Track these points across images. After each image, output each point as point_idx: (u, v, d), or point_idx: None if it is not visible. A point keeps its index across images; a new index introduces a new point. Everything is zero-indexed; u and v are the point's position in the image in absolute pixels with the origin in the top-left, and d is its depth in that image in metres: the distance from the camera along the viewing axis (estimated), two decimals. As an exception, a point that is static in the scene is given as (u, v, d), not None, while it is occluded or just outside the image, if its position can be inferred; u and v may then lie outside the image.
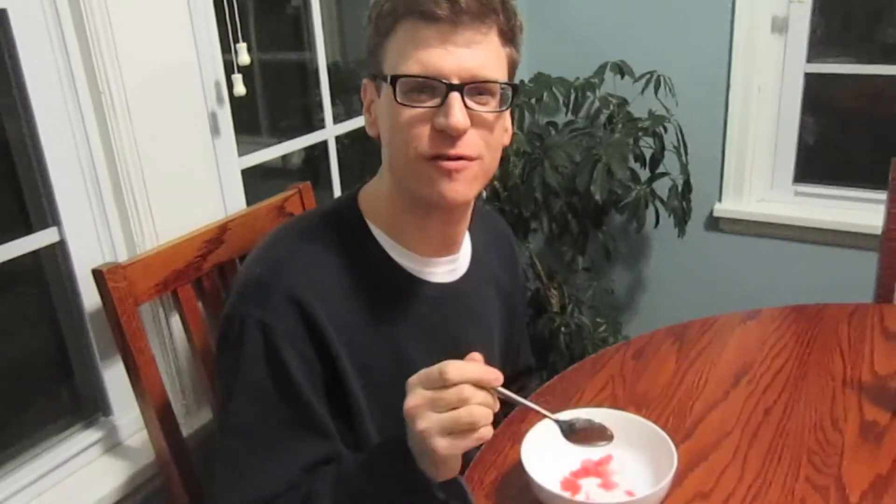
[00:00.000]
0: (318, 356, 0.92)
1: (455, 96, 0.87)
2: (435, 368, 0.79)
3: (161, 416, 1.21)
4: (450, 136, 0.88)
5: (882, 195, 1.59)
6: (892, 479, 0.97)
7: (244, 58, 1.41)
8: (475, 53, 0.88)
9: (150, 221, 1.28)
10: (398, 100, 0.88)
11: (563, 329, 2.23)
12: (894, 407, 1.11)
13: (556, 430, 0.93)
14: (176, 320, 1.33)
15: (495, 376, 0.81)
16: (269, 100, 1.92)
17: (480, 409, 0.79)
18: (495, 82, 0.90)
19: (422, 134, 0.89)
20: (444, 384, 0.78)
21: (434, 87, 0.87)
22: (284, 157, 2.11)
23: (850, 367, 1.22)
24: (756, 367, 1.24)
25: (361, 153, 2.20)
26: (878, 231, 1.58)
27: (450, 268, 1.06)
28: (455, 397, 0.78)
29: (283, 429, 0.91)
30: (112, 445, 1.35)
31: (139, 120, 1.24)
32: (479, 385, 0.79)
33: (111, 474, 1.29)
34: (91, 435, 1.32)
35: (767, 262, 2.33)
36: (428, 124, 0.88)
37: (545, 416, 0.91)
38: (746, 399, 1.16)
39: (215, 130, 1.42)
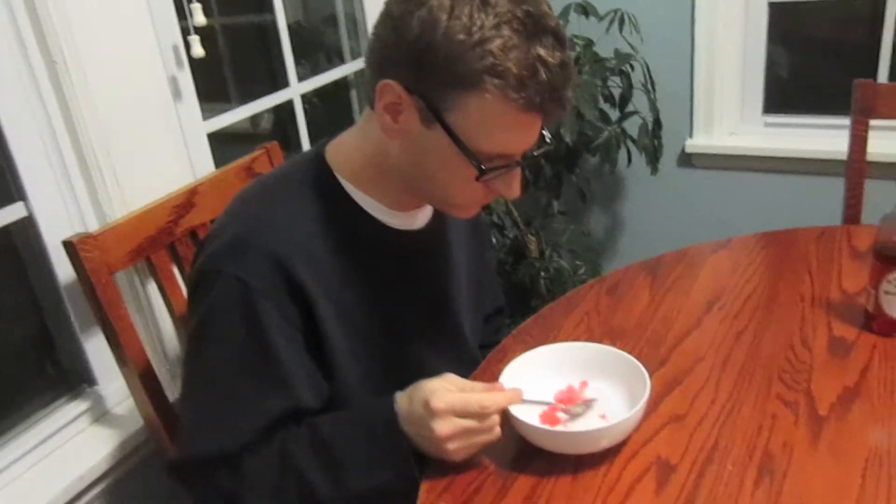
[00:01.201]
0: (300, 314, 0.93)
1: (518, 171, 0.93)
2: (473, 401, 0.88)
3: (145, 383, 1.23)
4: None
5: (847, 120, 1.60)
6: (859, 389, 1.00)
7: (199, 18, 1.39)
8: (540, 132, 0.92)
9: (117, 190, 1.27)
10: (479, 178, 0.88)
11: (542, 274, 2.25)
12: (861, 322, 1.13)
13: (534, 361, 1.02)
14: (153, 286, 1.33)
15: (517, 394, 0.95)
16: (232, 63, 1.90)
17: (497, 428, 0.90)
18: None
19: (475, 191, 0.93)
20: (482, 416, 0.88)
21: None
22: (254, 122, 2.10)
23: (819, 286, 1.25)
24: (727, 293, 1.26)
25: (329, 111, 2.19)
26: (846, 157, 1.59)
27: (418, 216, 1.07)
28: (488, 426, 0.89)
29: (252, 383, 0.92)
30: (100, 415, 1.36)
31: (97, 88, 1.22)
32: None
33: (101, 443, 1.31)
34: (78, 406, 1.34)
35: (740, 194, 2.35)
36: (481, 182, 0.91)
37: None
38: (719, 325, 1.18)
39: (177, 94, 1.41)
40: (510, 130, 0.87)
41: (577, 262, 2.32)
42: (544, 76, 0.82)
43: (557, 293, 2.27)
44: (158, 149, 1.36)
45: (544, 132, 0.94)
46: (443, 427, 0.87)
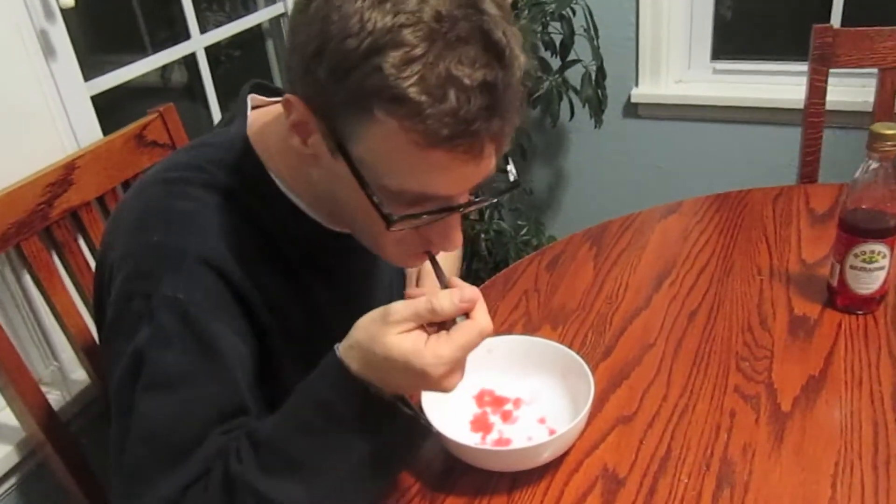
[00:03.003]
0: (249, 331, 0.76)
1: (457, 216, 0.71)
2: (420, 304, 0.66)
3: (22, 390, 1.06)
4: None
5: (802, 66, 1.49)
6: (825, 377, 0.90)
7: (68, -40, 1.18)
8: (481, 173, 0.68)
9: (-25, 168, 1.09)
10: (389, 227, 0.67)
11: (483, 235, 2.12)
12: (824, 297, 1.03)
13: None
14: (28, 278, 1.15)
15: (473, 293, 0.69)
16: (125, 13, 1.69)
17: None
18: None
19: (402, 242, 0.73)
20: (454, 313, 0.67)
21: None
22: (164, 76, 1.90)
23: (777, 257, 1.14)
24: (679, 266, 1.15)
25: (245, 60, 1.99)
26: (801, 105, 1.48)
27: None
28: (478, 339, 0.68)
29: (203, 424, 0.72)
30: (-22, 424, 1.20)
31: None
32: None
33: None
34: (-49, 416, 1.17)
35: (689, 145, 2.24)
36: (414, 230, 0.71)
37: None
38: (670, 304, 1.07)
39: (49, 52, 1.21)
40: (422, 170, 0.66)
41: (520, 222, 2.19)
42: (454, 102, 0.60)
43: (499, 254, 2.15)
44: (27, 117, 1.16)
45: (509, 168, 0.73)
46: (435, 365, 0.66)
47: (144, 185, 0.81)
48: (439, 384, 0.67)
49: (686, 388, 0.91)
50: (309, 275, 0.84)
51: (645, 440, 0.84)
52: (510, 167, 0.74)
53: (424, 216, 0.68)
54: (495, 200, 0.77)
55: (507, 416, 0.89)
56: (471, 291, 0.68)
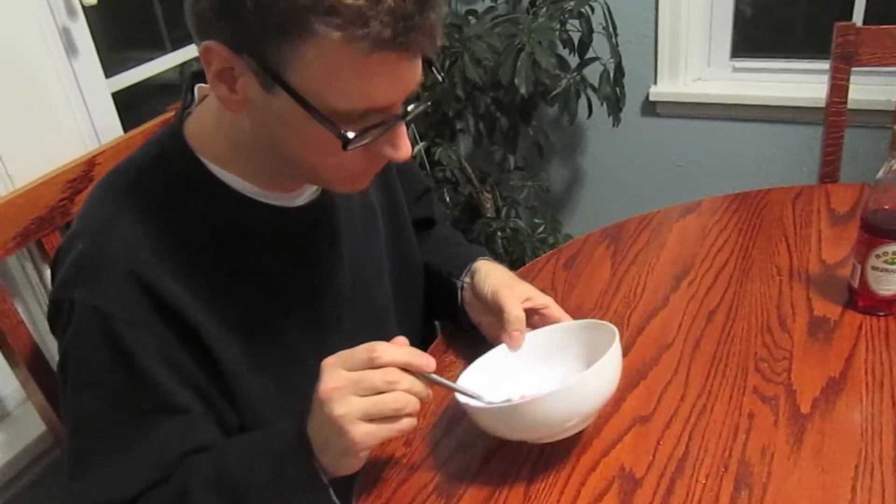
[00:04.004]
0: (180, 337, 0.77)
1: (402, 126, 0.73)
2: (362, 349, 0.72)
3: (42, 384, 1.07)
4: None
5: (823, 65, 1.47)
6: (845, 379, 0.89)
7: (90, -41, 1.19)
8: (415, 73, 0.70)
9: (-2, 164, 1.10)
10: (346, 147, 0.69)
11: (499, 233, 2.12)
12: (845, 298, 1.02)
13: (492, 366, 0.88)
14: (49, 274, 1.16)
15: (426, 362, 0.74)
16: (139, 9, 1.70)
17: (407, 396, 0.72)
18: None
19: (352, 161, 0.74)
20: (370, 365, 0.71)
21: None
22: (183, 72, 1.90)
23: (797, 257, 1.13)
24: (697, 266, 1.14)
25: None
26: (821, 104, 1.47)
27: (306, 191, 0.89)
28: (381, 380, 0.71)
29: (135, 419, 0.76)
30: (0, 418, 1.21)
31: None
32: (407, 370, 0.73)
33: (2, 449, 1.17)
34: (-28, 410, 1.19)
35: (708, 143, 2.23)
36: (363, 149, 0.73)
37: (474, 400, 0.81)
38: (688, 304, 1.06)
39: (71, 49, 1.22)
40: (368, 79, 0.67)
41: (536, 221, 2.19)
42: (391, 1, 0.62)
43: (515, 253, 2.14)
44: (50, 114, 1.18)
45: (434, 70, 0.76)
46: (327, 380, 0.70)
47: (89, 194, 0.84)
48: (328, 406, 0.70)
49: (704, 389, 0.90)
50: (252, 256, 0.83)
51: (662, 441, 0.84)
52: (437, 69, 0.77)
53: (375, 130, 0.70)
54: (429, 103, 0.80)
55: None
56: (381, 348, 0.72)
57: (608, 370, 0.79)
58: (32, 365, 1.05)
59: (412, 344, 0.77)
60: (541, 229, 2.16)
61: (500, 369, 0.89)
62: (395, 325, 1.02)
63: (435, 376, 0.75)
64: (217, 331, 0.79)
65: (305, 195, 0.88)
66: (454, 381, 0.83)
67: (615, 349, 0.79)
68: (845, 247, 1.12)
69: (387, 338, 0.97)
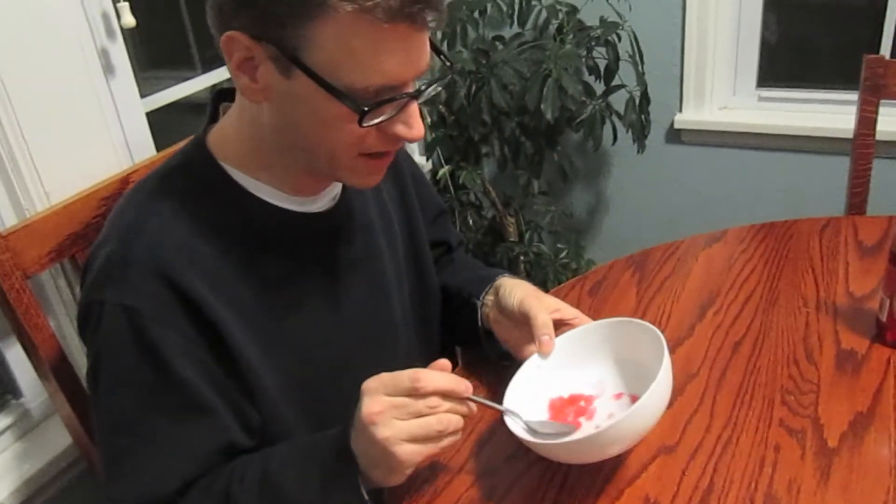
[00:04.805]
0: (203, 334, 0.79)
1: (415, 106, 0.76)
2: (404, 375, 0.74)
3: (71, 398, 1.08)
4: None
5: (850, 96, 1.47)
6: (873, 414, 0.88)
7: (131, -18, 1.23)
8: (425, 49, 0.74)
9: (36, 181, 1.12)
10: (362, 121, 0.72)
11: (522, 258, 2.13)
12: (873, 332, 1.01)
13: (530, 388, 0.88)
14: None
15: (465, 387, 0.76)
16: (172, 30, 1.73)
17: (450, 416, 0.74)
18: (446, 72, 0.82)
19: (369, 138, 0.77)
20: (412, 394, 0.73)
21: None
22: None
23: (824, 289, 1.12)
24: (723, 295, 1.14)
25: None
26: (848, 135, 1.47)
27: (322, 199, 0.92)
28: (424, 406, 0.73)
29: (167, 417, 0.79)
30: (27, 429, 1.23)
31: (8, 63, 1.06)
32: (448, 395, 0.75)
33: (28, 460, 1.18)
34: (2, 420, 1.20)
35: (733, 173, 2.23)
36: (377, 129, 0.76)
37: (512, 419, 0.82)
38: (713, 334, 1.06)
39: (108, 69, 1.25)
40: (380, 54, 0.70)
41: (559, 245, 2.19)
42: None
43: (537, 277, 2.14)
44: (86, 133, 1.20)
45: (442, 57, 0.80)
46: (370, 405, 0.73)
47: (115, 204, 0.87)
48: (372, 430, 0.72)
49: (730, 420, 0.90)
50: (269, 259, 0.86)
51: (687, 471, 0.83)
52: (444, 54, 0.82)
53: (389, 105, 0.74)
54: (446, 81, 0.84)
55: (582, 412, 0.88)
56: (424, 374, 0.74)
57: (662, 389, 0.78)
58: (61, 378, 1.07)
59: (427, 363, 0.79)
60: (563, 254, 2.16)
61: (538, 380, 0.89)
62: (411, 335, 1.04)
63: (477, 398, 0.77)
64: (236, 329, 0.81)
65: (324, 201, 0.91)
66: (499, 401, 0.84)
67: (665, 367, 0.78)
68: (873, 279, 1.12)
69: (400, 347, 0.99)
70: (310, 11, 0.68)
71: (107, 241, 0.81)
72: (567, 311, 0.94)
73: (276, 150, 0.82)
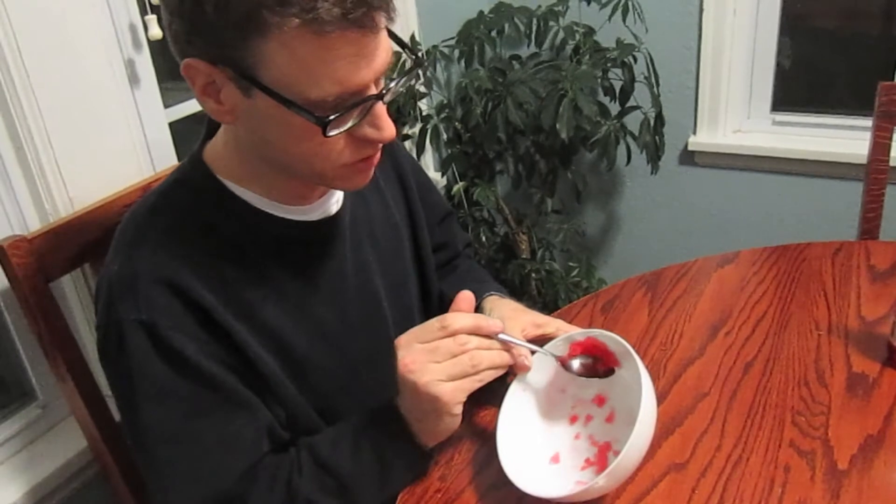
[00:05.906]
0: (217, 341, 0.81)
1: (381, 107, 0.76)
2: (432, 323, 0.79)
3: (88, 401, 1.10)
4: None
5: (864, 121, 1.48)
6: (883, 437, 0.89)
7: (158, -5, 1.25)
8: (381, 49, 0.73)
9: (60, 187, 1.14)
10: (326, 132, 0.72)
11: (533, 275, 2.13)
12: (884, 356, 1.02)
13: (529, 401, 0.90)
14: (100, 293, 1.20)
15: (492, 324, 0.81)
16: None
17: (480, 352, 0.79)
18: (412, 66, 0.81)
19: (340, 151, 0.78)
20: (442, 335, 0.79)
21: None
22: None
23: (836, 312, 1.13)
24: (735, 317, 1.14)
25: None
26: (861, 160, 1.47)
27: (321, 207, 0.93)
28: (455, 344, 0.78)
29: (210, 418, 0.80)
30: (42, 431, 1.25)
31: (38, 72, 1.09)
32: (476, 333, 0.80)
33: (42, 463, 1.20)
34: (17, 422, 1.22)
35: (746, 196, 2.23)
36: (348, 136, 0.77)
37: (549, 355, 0.88)
38: (725, 354, 1.06)
39: (134, 79, 1.28)
40: (331, 63, 0.69)
41: (571, 264, 2.20)
42: None
43: (549, 295, 2.15)
44: (111, 141, 1.23)
45: (408, 49, 0.81)
46: (405, 356, 0.79)
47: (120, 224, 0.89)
48: (411, 378, 0.77)
49: (740, 440, 0.90)
50: (269, 268, 0.87)
51: (697, 489, 0.84)
52: (408, 47, 0.81)
53: (353, 110, 0.73)
54: (413, 76, 0.82)
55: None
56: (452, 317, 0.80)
57: (648, 419, 0.79)
58: (79, 380, 1.09)
59: None
60: (575, 272, 2.17)
61: (529, 401, 0.90)
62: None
63: (505, 336, 0.82)
64: (251, 340, 0.83)
65: (322, 209, 0.92)
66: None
67: (647, 394, 0.80)
68: (885, 304, 1.12)
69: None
70: (256, 30, 0.67)
71: (113, 261, 0.82)
72: (550, 325, 0.95)
73: (264, 164, 0.84)
